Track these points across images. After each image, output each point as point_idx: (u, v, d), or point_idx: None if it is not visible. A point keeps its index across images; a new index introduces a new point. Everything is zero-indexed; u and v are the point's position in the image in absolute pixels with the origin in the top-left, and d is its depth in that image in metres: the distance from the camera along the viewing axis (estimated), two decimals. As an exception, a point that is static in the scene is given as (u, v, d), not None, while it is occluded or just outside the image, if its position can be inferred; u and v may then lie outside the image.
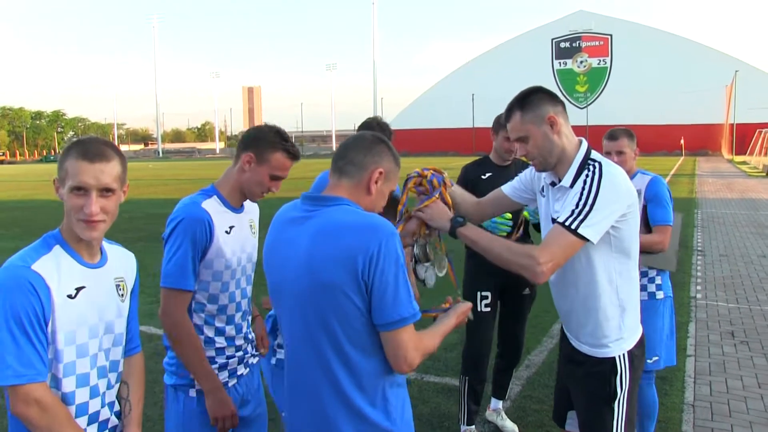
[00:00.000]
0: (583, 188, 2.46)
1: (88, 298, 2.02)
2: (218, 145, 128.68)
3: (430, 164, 2.95)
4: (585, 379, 2.69)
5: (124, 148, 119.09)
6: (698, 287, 8.83)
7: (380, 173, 2.14)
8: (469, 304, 2.39)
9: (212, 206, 2.68)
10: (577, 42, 77.25)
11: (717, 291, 8.65)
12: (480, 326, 4.30)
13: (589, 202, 2.41)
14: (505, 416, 4.71)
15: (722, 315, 7.49)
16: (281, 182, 2.78)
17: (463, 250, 3.98)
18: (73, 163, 2.01)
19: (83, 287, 2.01)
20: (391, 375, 2.05)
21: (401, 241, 2.02)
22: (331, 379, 2.01)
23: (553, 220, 2.56)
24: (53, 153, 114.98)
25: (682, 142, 61.24)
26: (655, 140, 64.90)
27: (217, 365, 2.75)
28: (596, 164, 2.52)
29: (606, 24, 76.65)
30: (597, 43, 76.60)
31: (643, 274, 3.98)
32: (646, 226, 3.95)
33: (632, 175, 4.02)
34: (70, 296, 1.97)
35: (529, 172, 2.92)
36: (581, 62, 77.19)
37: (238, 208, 2.82)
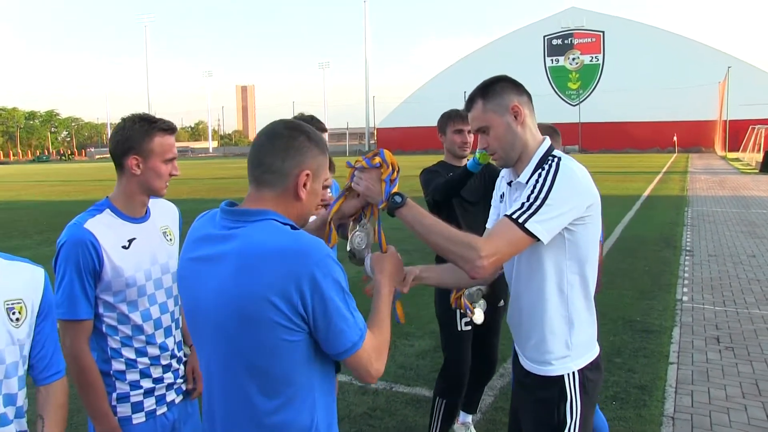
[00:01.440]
0: (537, 181, 2.24)
1: None
2: (211, 144, 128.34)
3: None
4: (533, 405, 2.45)
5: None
6: (685, 289, 8.59)
7: (307, 175, 1.83)
8: (392, 249, 2.18)
9: (102, 222, 2.47)
10: (569, 39, 77.19)
11: (704, 293, 8.41)
12: (461, 346, 4.05)
13: (541, 196, 2.19)
14: (473, 430, 4.48)
15: (708, 319, 7.25)
16: (176, 161, 2.61)
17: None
18: None
19: None
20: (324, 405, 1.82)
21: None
22: (253, 418, 1.76)
23: None
24: (46, 153, 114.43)
25: (675, 138, 61.25)
26: (648, 137, 65.06)
27: (142, 390, 2.54)
28: (555, 159, 2.31)
29: (598, 21, 76.61)
30: (589, 39, 76.55)
31: None
32: None
33: None
34: None
35: (494, 193, 2.72)
36: (573, 59, 77.10)
37: (139, 218, 2.60)
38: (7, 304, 1.89)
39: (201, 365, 1.90)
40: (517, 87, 2.40)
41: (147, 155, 2.49)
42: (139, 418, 2.54)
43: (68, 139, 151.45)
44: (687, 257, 10.78)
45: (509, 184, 2.49)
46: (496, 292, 3.99)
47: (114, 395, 2.50)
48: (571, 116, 70.07)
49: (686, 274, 9.50)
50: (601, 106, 70.67)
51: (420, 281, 2.48)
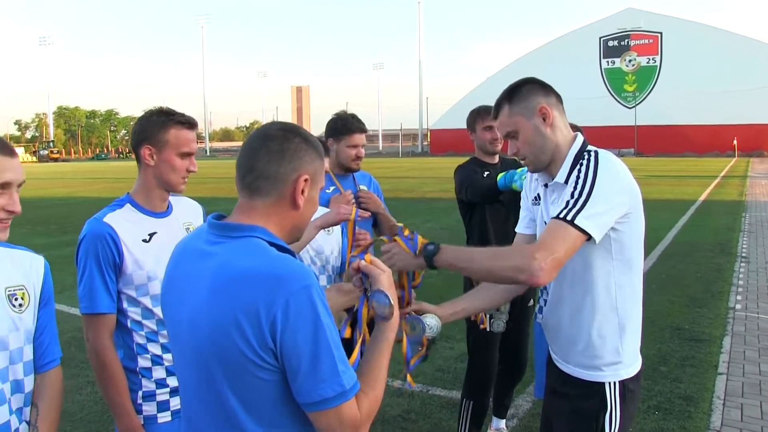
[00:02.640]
0: (578, 177, 2.14)
1: None
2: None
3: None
4: (570, 414, 2.34)
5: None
6: (738, 297, 8.25)
7: (305, 181, 1.64)
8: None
9: (122, 216, 2.49)
10: (626, 40, 75.45)
11: (759, 302, 8.05)
12: (486, 347, 3.96)
13: (585, 191, 2.08)
14: (508, 437, 4.36)
15: (762, 329, 6.92)
16: (194, 158, 2.58)
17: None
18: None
19: None
20: None
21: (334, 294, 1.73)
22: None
23: None
24: (105, 151, 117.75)
25: (734, 142, 59.32)
26: (707, 140, 63.15)
27: (168, 389, 2.54)
28: (592, 153, 2.21)
29: (656, 22, 74.67)
30: (646, 41, 74.68)
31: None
32: None
33: None
34: None
35: (523, 195, 2.62)
36: (630, 61, 75.36)
37: (160, 212, 2.60)
38: (9, 291, 1.90)
39: (178, 380, 1.74)
40: (544, 88, 2.32)
41: (161, 146, 2.48)
42: (164, 417, 2.54)
43: (127, 137, 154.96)
44: (742, 264, 10.37)
45: (545, 185, 2.39)
46: (525, 291, 3.88)
47: (140, 393, 2.50)
48: (626, 119, 68.50)
49: (740, 282, 9.13)
50: (658, 109, 68.87)
51: (458, 316, 2.39)
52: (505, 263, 2.03)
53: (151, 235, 2.51)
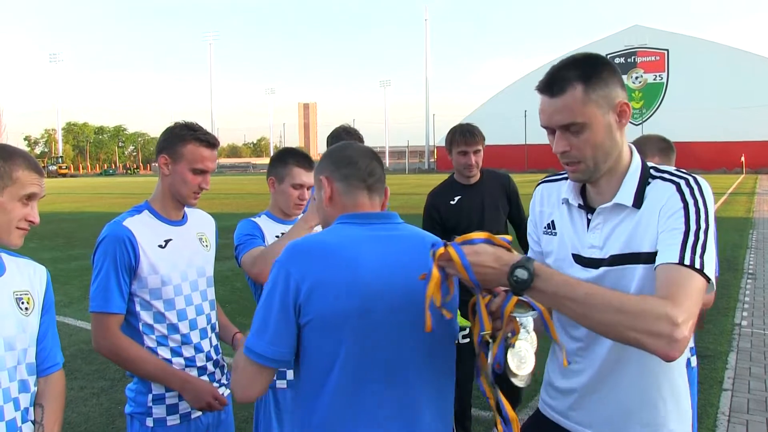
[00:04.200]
0: (687, 206, 1.69)
1: None
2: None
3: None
4: None
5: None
6: (744, 314, 8.22)
7: (387, 190, 2.00)
8: None
9: (140, 222, 2.57)
10: (632, 57, 75.59)
11: (765, 318, 8.02)
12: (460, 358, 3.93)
13: (703, 226, 1.66)
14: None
15: (768, 345, 6.91)
16: (209, 176, 2.64)
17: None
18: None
19: None
20: None
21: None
22: None
23: (589, 262, 1.85)
24: (113, 167, 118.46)
25: (742, 159, 59.13)
26: (714, 157, 62.94)
27: (177, 392, 2.57)
28: (690, 176, 1.77)
29: (662, 39, 74.85)
30: (653, 58, 74.80)
31: None
32: None
33: None
34: None
35: (530, 220, 2.13)
36: (636, 78, 75.44)
37: (176, 221, 2.69)
38: (16, 295, 2.01)
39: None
40: (620, 78, 1.81)
41: (177, 159, 2.57)
42: (173, 420, 2.58)
43: (134, 153, 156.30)
44: (749, 281, 10.34)
45: (582, 207, 1.90)
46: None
47: (149, 396, 2.55)
48: (633, 136, 67.91)
49: (747, 298, 9.10)
50: (665, 126, 68.30)
51: None
52: (636, 323, 1.49)
53: (166, 241, 2.60)
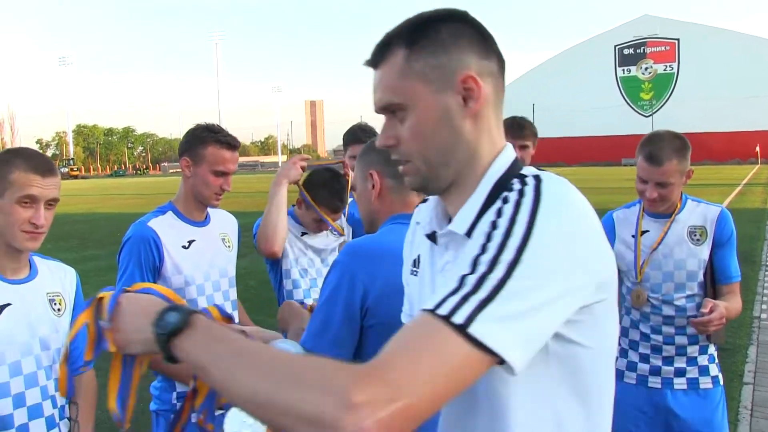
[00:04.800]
0: (492, 231, 1.04)
1: (15, 316, 1.95)
2: (281, 158, 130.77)
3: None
4: None
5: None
6: (764, 306, 8.14)
7: None
8: None
9: (164, 222, 2.61)
10: (642, 48, 75.30)
11: (785, 310, 7.95)
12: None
13: (503, 261, 0.99)
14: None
15: (789, 337, 6.83)
16: (230, 177, 2.65)
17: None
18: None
19: (8, 304, 1.94)
20: None
21: None
22: None
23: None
24: (123, 168, 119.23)
25: (757, 149, 58.70)
26: (728, 148, 62.56)
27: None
28: (529, 182, 1.10)
29: (672, 28, 74.48)
30: (663, 48, 74.48)
31: (703, 350, 2.78)
32: (712, 283, 2.76)
33: (681, 207, 2.82)
34: None
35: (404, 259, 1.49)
36: (646, 69, 75.17)
37: (199, 221, 2.72)
38: (49, 296, 2.08)
39: None
40: (482, 42, 1.19)
41: (198, 161, 2.59)
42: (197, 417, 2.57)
43: (144, 154, 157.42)
44: (767, 273, 10.24)
45: (430, 236, 1.28)
46: None
47: (174, 394, 2.60)
48: (643, 128, 67.77)
49: (765, 291, 9.02)
50: (676, 117, 68.29)
51: None
52: (299, 398, 0.88)
53: (190, 242, 2.63)
